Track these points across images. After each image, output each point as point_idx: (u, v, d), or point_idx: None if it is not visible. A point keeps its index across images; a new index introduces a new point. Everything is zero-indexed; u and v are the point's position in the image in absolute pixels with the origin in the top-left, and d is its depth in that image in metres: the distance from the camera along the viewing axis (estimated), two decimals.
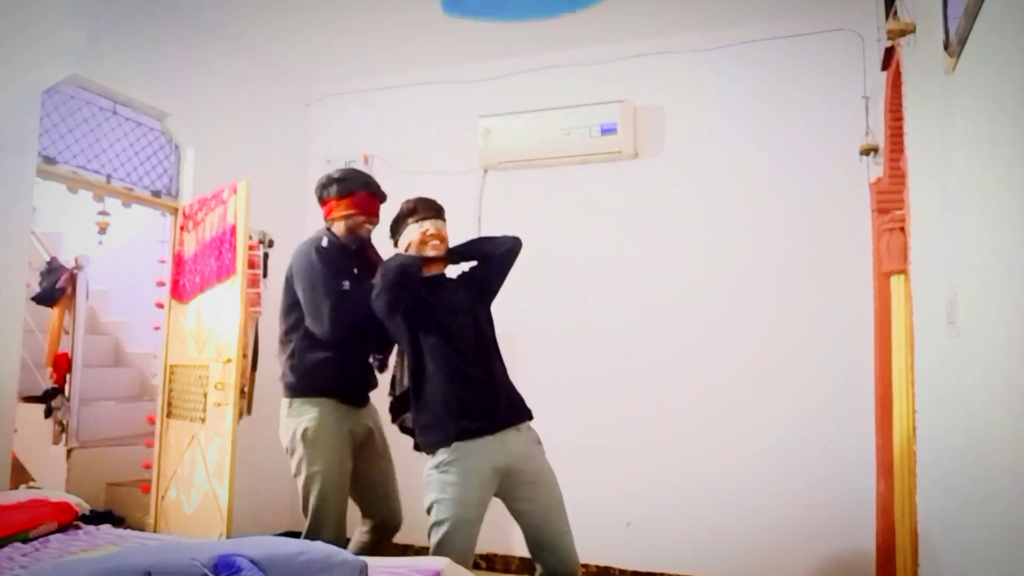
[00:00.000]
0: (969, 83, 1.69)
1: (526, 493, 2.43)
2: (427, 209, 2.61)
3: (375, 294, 2.47)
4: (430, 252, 2.56)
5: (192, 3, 3.75)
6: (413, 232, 2.57)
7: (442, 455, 2.37)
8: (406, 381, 2.54)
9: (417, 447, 2.53)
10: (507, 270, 2.66)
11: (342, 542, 2.53)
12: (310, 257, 2.66)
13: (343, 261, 2.72)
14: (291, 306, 2.74)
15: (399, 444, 2.68)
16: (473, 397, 2.44)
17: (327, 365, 2.67)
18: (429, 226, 2.58)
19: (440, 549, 2.31)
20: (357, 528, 2.84)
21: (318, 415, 2.64)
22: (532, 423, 2.54)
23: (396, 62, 4.38)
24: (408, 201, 2.63)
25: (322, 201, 2.82)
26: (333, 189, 2.78)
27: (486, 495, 2.41)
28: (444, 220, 2.65)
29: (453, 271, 2.68)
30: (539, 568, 2.49)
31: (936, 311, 2.09)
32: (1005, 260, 1.40)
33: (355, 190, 2.77)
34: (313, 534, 2.56)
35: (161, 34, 3.70)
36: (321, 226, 2.85)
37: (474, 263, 2.67)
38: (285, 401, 2.72)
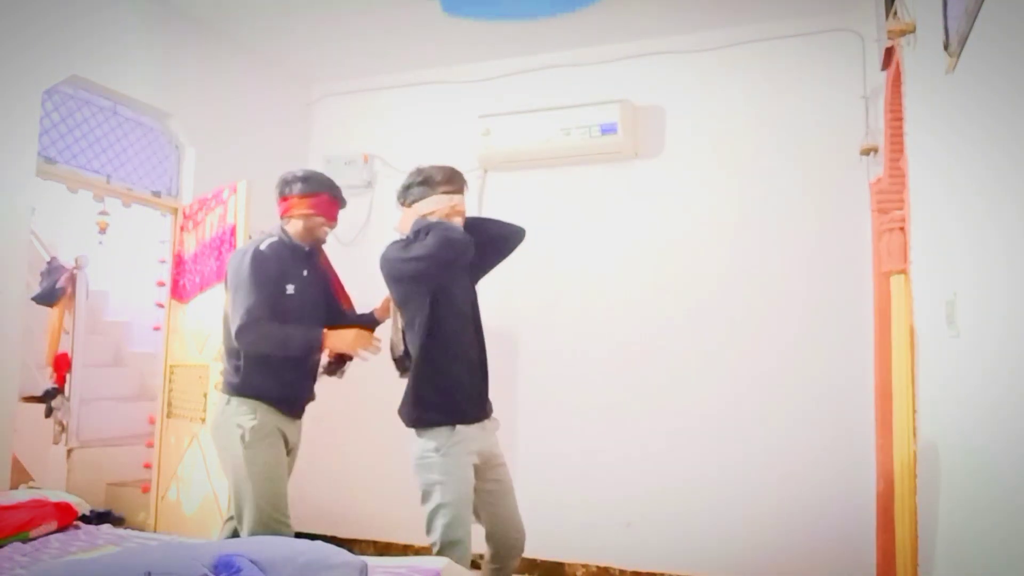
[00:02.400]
0: (969, 83, 1.69)
1: (496, 475, 2.54)
2: (461, 182, 2.52)
3: (419, 254, 2.36)
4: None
5: (192, 3, 3.75)
6: (443, 202, 2.46)
7: (443, 438, 2.37)
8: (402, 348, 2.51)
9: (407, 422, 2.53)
10: (505, 256, 2.65)
11: None
12: (243, 261, 2.60)
13: (293, 263, 2.67)
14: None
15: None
16: (474, 382, 2.50)
17: (270, 369, 2.63)
18: (459, 201, 2.50)
19: (449, 529, 2.33)
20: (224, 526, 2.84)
21: (257, 416, 2.61)
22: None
23: (396, 62, 4.37)
24: (442, 168, 2.51)
25: (282, 196, 2.77)
26: (297, 187, 2.73)
27: (473, 478, 2.47)
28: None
29: None
30: (491, 548, 2.54)
31: (936, 311, 2.09)
32: (1005, 260, 1.40)
33: (319, 191, 2.73)
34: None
35: (161, 34, 3.70)
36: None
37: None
38: (223, 398, 2.68)
